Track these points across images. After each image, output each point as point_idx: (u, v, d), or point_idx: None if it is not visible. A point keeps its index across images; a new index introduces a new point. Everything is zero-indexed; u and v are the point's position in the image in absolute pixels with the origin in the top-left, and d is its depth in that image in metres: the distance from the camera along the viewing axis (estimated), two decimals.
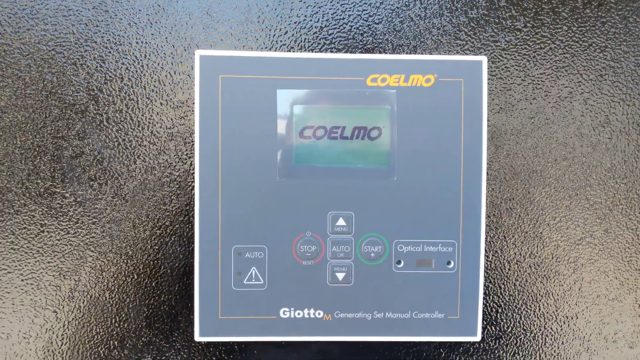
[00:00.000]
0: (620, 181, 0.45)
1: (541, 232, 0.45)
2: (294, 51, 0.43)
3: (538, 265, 0.45)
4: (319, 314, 0.43)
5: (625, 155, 0.45)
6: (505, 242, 0.45)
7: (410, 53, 0.44)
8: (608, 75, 0.44)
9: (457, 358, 0.45)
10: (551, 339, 0.45)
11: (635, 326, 0.45)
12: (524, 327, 0.45)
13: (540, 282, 0.45)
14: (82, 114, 0.43)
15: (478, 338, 0.44)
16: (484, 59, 0.43)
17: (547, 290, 0.45)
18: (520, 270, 0.45)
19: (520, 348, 0.45)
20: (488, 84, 0.44)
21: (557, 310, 0.45)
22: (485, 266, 0.44)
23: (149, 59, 0.42)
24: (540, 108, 0.44)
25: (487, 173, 0.44)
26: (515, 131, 0.44)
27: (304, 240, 0.43)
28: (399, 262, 0.43)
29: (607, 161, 0.45)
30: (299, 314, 0.43)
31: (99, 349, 0.44)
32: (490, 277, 0.45)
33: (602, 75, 0.44)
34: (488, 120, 0.44)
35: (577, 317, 0.45)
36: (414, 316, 0.43)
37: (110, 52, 0.42)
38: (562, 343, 0.45)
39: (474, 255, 0.43)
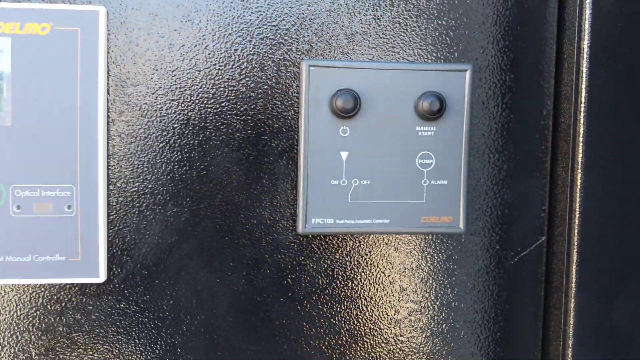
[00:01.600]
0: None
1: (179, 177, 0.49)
2: None
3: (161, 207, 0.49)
4: None
5: (249, 103, 0.50)
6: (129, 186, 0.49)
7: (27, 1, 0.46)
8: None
9: (87, 299, 0.49)
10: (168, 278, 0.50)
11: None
12: (154, 267, 0.50)
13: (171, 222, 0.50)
14: None
15: (102, 279, 0.48)
16: (101, 9, 0.46)
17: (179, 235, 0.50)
18: (146, 210, 0.49)
19: (148, 287, 0.50)
20: (115, 36, 0.47)
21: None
22: (109, 209, 0.48)
23: None
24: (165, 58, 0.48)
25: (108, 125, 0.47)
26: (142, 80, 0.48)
27: None
28: (18, 207, 0.46)
29: (231, 109, 0.49)
30: None
31: None
32: (114, 220, 0.49)
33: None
34: (109, 70, 0.47)
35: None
36: (35, 259, 0.47)
37: None
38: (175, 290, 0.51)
39: (93, 199, 0.47)
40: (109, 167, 0.48)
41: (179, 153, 0.48)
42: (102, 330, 0.49)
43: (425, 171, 0.50)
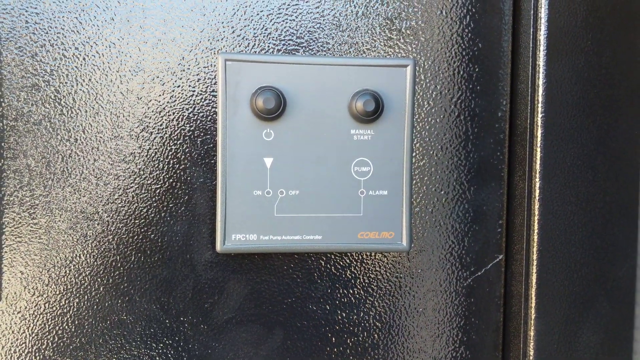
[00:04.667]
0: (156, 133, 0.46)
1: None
2: None
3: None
4: None
5: (160, 105, 0.46)
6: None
7: None
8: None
9: None
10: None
11: None
12: (52, 290, 0.46)
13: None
14: None
15: None
16: None
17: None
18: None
19: (46, 312, 0.46)
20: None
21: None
22: (2, 224, 0.45)
23: None
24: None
25: None
26: None
27: None
28: None
29: (139, 111, 0.46)
30: None
31: None
32: (7, 237, 0.45)
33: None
34: None
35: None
36: None
37: None
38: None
39: None
40: (1, 179, 0.44)
41: (81, 161, 0.45)
42: None
43: (362, 180, 0.46)
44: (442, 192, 0.48)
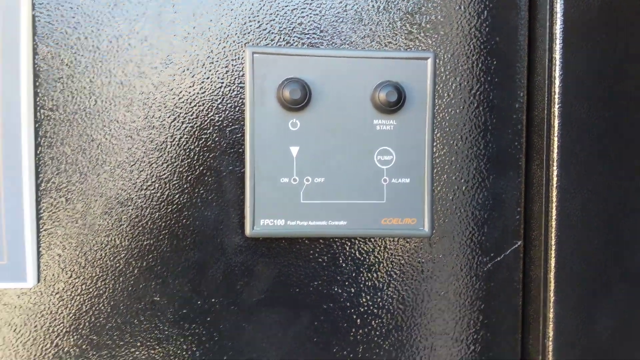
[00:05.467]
0: (178, 118, 0.48)
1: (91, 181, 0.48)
2: None
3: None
4: None
5: (190, 96, 0.48)
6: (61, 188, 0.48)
7: None
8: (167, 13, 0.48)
9: (14, 303, 0.48)
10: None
11: None
12: (89, 272, 0.48)
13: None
14: None
15: (30, 284, 0.46)
16: None
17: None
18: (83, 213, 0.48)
19: (83, 294, 0.48)
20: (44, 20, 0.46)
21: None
22: (39, 209, 0.47)
23: None
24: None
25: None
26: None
27: None
28: None
29: (171, 102, 0.48)
30: None
31: None
32: (45, 222, 0.47)
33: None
34: (36, 59, 0.46)
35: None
36: None
37: None
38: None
39: (18, 197, 0.46)
40: (39, 166, 0.47)
41: (115, 149, 0.47)
42: (30, 337, 0.48)
43: (384, 168, 0.48)
44: (462, 181, 0.50)
